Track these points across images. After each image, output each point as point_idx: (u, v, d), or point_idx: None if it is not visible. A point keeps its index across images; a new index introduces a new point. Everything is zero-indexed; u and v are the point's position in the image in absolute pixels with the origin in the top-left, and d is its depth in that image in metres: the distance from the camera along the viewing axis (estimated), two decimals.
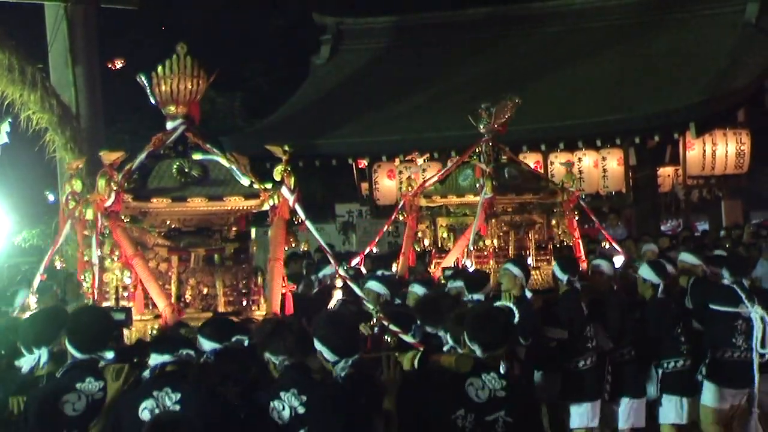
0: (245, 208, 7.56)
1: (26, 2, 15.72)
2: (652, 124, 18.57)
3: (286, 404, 5.10)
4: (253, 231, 7.89)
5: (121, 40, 26.86)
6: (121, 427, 5.05)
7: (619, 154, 19.01)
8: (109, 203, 6.97)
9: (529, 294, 8.61)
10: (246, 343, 5.86)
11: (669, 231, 19.86)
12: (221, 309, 7.25)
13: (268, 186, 7.48)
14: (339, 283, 8.42)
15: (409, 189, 10.90)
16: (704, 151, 19.30)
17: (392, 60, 22.68)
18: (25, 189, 20.68)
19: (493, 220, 10.24)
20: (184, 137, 7.64)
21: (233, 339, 5.83)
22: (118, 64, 29.56)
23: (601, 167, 18.77)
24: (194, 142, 7.58)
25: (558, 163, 18.22)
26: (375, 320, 7.16)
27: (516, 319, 6.05)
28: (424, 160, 20.37)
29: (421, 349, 5.91)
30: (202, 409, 5.05)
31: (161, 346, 5.39)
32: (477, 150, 10.67)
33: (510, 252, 10.14)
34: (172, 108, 7.51)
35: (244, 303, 7.38)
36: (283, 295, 7.42)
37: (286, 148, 7.75)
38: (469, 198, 10.31)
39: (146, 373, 5.35)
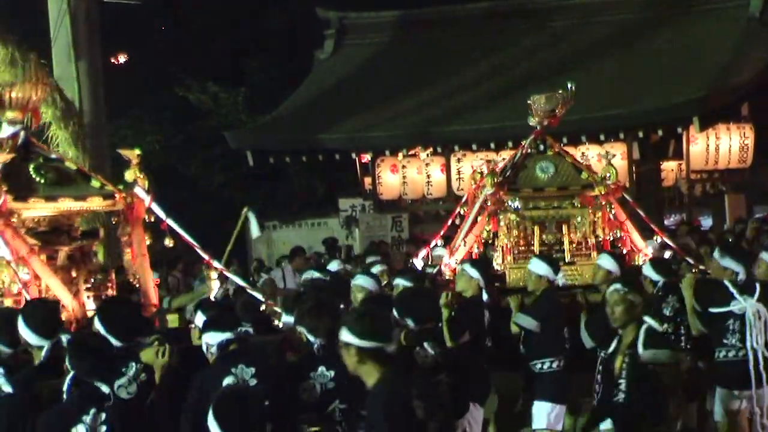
0: (104, 207, 8.18)
1: None
2: (656, 119, 18.54)
3: (316, 382, 5.62)
4: (101, 231, 8.59)
5: (123, 35, 26.84)
6: (204, 399, 5.41)
7: (622, 149, 19.00)
8: None
9: (485, 296, 8.52)
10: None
11: (672, 225, 19.81)
12: None
13: (121, 187, 8.07)
14: (214, 274, 9.00)
15: (472, 183, 10.92)
16: (708, 145, 19.28)
17: (396, 54, 22.64)
18: None
19: (510, 215, 10.22)
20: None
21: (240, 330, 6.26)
22: (121, 59, 29.55)
23: (604, 161, 18.69)
24: (38, 146, 8.08)
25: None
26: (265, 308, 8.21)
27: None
28: (427, 155, 20.37)
29: None
30: (271, 381, 5.66)
31: (221, 325, 5.98)
32: (523, 143, 10.71)
33: (536, 248, 10.12)
34: (11, 114, 7.87)
35: (101, 298, 7.89)
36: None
37: (138, 151, 8.25)
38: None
39: (213, 350, 5.94)
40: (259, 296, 8.77)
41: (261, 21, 28.35)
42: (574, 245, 10.22)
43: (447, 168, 20.04)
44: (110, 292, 8.03)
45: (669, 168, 20.36)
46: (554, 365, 8.38)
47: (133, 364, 5.61)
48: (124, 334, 5.84)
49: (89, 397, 5.16)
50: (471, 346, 7.85)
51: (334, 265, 11.49)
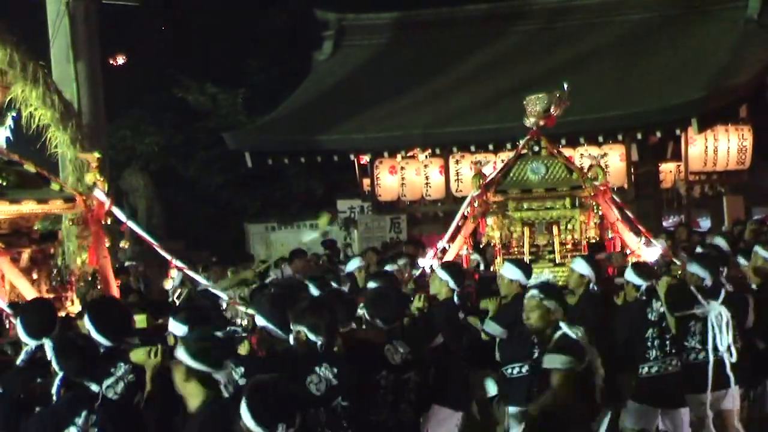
0: (64, 210, 8.51)
1: None
2: (654, 120, 18.56)
3: (323, 377, 5.73)
4: (60, 233, 8.93)
5: (122, 36, 26.86)
6: None
7: (621, 150, 19.02)
8: None
9: (456, 300, 8.51)
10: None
11: (671, 227, 19.83)
12: None
13: (81, 190, 8.50)
14: (174, 273, 9.23)
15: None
16: (706, 146, 19.29)
17: (394, 56, 22.67)
18: None
19: (498, 217, 10.23)
20: None
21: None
22: (120, 60, 29.57)
23: (602, 163, 18.76)
24: None
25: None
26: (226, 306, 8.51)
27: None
28: (426, 156, 20.38)
29: None
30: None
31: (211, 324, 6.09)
32: (518, 143, 10.71)
33: (526, 250, 10.11)
34: None
35: (61, 299, 8.17)
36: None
37: (98, 155, 8.60)
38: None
39: None
40: (223, 296, 8.91)
41: (260, 22, 28.37)
42: (567, 246, 10.17)
43: (445, 169, 20.05)
44: (69, 294, 8.14)
45: (667, 169, 20.39)
46: (524, 370, 8.30)
47: (122, 364, 5.68)
48: (114, 334, 5.92)
49: (80, 399, 5.21)
50: (444, 349, 7.87)
51: (355, 263, 11.58)
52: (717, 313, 7.84)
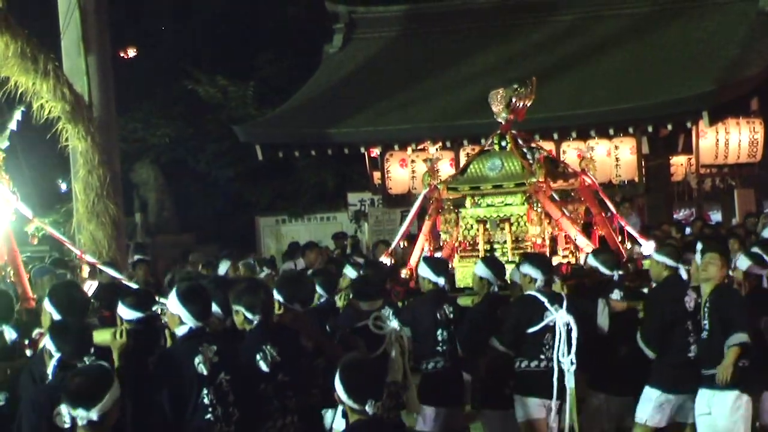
0: None
1: None
2: (665, 113, 18.50)
3: (267, 354, 6.11)
4: None
5: (133, 28, 26.90)
6: (182, 376, 5.79)
7: (631, 143, 18.97)
8: None
9: None
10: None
11: (682, 220, 19.82)
12: None
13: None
14: (87, 269, 9.50)
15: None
16: (717, 139, 19.24)
17: (404, 49, 22.65)
18: (38, 178, 20.78)
19: (451, 214, 10.27)
20: None
21: (154, 308, 6.59)
22: (130, 53, 29.61)
23: (613, 156, 18.75)
24: None
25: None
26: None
27: None
28: (437, 149, 20.34)
29: None
30: (231, 358, 5.99)
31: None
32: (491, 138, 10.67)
33: (480, 247, 10.10)
34: None
35: None
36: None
37: (1, 155, 8.83)
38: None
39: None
40: (134, 285, 9.12)
41: (270, 15, 28.37)
42: (528, 243, 10.05)
43: (456, 162, 20.02)
44: None
45: (678, 162, 20.35)
46: (429, 367, 8.33)
47: None
48: (78, 318, 6.15)
49: None
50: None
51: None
52: (564, 320, 7.77)
